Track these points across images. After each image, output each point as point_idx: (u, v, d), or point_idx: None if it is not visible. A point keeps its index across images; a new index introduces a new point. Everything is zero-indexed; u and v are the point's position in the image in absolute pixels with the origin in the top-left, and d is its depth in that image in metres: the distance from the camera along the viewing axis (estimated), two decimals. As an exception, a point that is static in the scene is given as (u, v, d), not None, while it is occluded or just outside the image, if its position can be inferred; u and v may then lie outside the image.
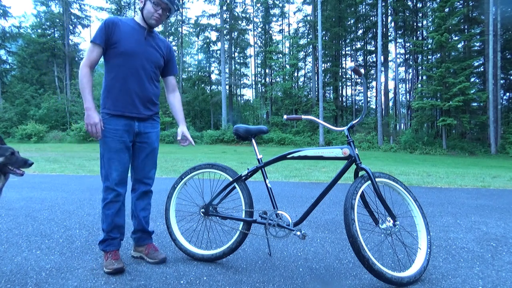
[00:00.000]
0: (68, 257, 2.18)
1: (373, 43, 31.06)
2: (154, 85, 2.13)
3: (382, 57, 24.63)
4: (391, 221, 1.87)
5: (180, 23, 33.40)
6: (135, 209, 2.16)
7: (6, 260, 2.12)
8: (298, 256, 2.25)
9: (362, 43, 32.97)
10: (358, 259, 1.75)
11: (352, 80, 33.51)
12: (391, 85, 29.94)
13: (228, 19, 31.04)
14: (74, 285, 1.78)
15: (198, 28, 32.52)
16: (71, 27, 33.39)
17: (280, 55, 33.79)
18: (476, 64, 23.13)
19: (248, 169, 2.13)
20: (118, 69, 1.99)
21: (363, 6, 31.07)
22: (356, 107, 33.04)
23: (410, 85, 30.46)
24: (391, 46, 28.32)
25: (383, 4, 24.04)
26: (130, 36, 2.01)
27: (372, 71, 31.91)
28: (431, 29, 21.40)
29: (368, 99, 33.03)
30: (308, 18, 30.83)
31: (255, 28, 35.16)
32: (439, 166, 10.77)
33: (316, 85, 28.63)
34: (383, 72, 26.67)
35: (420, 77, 26.76)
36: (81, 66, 1.96)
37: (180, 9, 30.66)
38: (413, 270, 1.84)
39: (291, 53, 32.58)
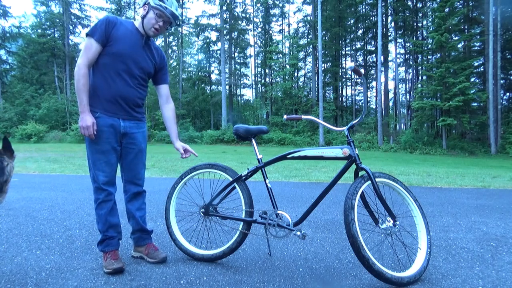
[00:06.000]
0: (68, 257, 2.18)
1: (373, 43, 31.06)
2: (141, 89, 2.11)
3: (382, 57, 24.63)
4: (391, 221, 1.87)
5: (180, 23, 33.37)
6: (130, 210, 2.15)
7: (6, 260, 2.12)
8: (298, 256, 2.25)
9: (362, 43, 32.98)
10: (358, 259, 1.75)
11: (352, 80, 33.51)
12: (391, 85, 30.00)
13: (228, 19, 31.04)
14: (74, 285, 1.78)
15: (198, 28, 32.53)
16: (71, 27, 33.40)
17: (280, 55, 33.79)
18: (476, 64, 23.11)
19: (248, 169, 2.13)
20: (104, 68, 1.97)
21: (363, 6, 31.08)
22: (356, 107, 33.03)
23: (410, 85, 30.48)
24: (391, 46, 28.35)
25: (383, 4, 24.03)
26: (126, 38, 1.99)
27: (372, 71, 31.91)
28: (431, 29, 21.39)
29: (368, 99, 33.04)
30: (308, 18, 30.84)
31: (255, 28, 35.18)
32: (439, 166, 10.77)
33: (316, 85, 28.63)
34: (383, 72, 26.68)
35: (420, 77, 26.76)
36: (79, 65, 1.89)
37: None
38: (413, 270, 1.84)
39: (291, 53, 32.59)
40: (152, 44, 2.14)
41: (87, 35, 1.94)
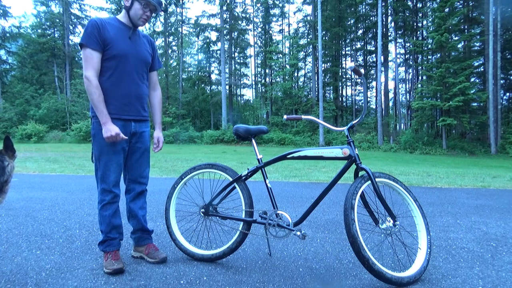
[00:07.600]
0: (68, 257, 2.18)
1: (373, 43, 31.06)
2: (145, 84, 2.14)
3: (382, 57, 24.63)
4: (391, 221, 1.87)
5: (180, 23, 33.38)
6: (132, 209, 2.14)
7: (6, 260, 2.12)
8: (298, 256, 2.25)
9: (362, 43, 32.97)
10: (358, 259, 1.75)
11: (352, 80, 33.52)
12: (391, 85, 29.98)
13: (228, 19, 31.04)
14: (74, 285, 1.78)
15: (198, 28, 32.51)
16: (71, 27, 33.38)
17: (280, 55, 33.78)
18: (476, 64, 23.11)
19: (248, 169, 2.13)
20: (111, 71, 1.96)
21: (363, 6, 31.07)
22: (356, 107, 33.03)
23: (410, 85, 30.47)
24: (391, 46, 28.34)
25: (383, 4, 24.03)
26: (119, 37, 1.98)
27: (372, 71, 31.90)
28: (431, 29, 21.39)
29: (368, 99, 33.03)
30: (308, 18, 30.83)
31: (255, 28, 35.17)
32: (439, 166, 10.77)
33: (316, 85, 28.63)
34: (383, 72, 26.67)
35: (420, 77, 26.76)
36: (88, 77, 1.87)
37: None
38: (413, 270, 1.84)
39: (291, 53, 32.57)
40: (139, 32, 2.13)
41: (81, 45, 1.90)
